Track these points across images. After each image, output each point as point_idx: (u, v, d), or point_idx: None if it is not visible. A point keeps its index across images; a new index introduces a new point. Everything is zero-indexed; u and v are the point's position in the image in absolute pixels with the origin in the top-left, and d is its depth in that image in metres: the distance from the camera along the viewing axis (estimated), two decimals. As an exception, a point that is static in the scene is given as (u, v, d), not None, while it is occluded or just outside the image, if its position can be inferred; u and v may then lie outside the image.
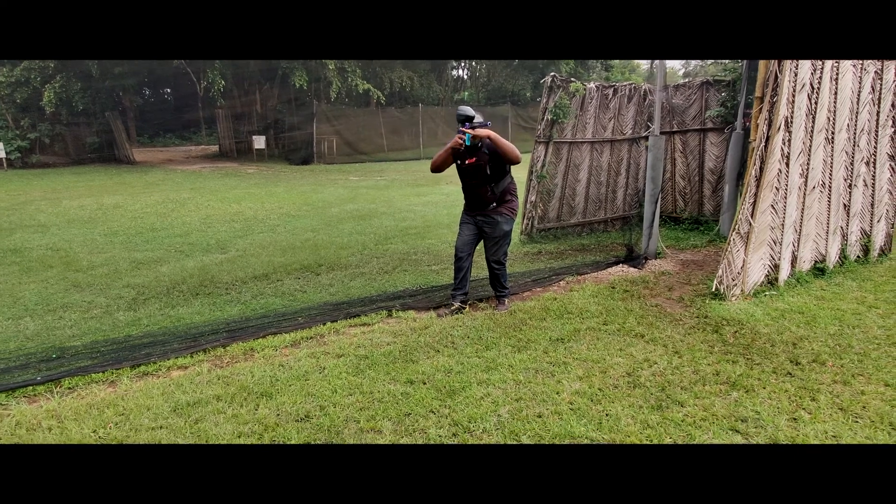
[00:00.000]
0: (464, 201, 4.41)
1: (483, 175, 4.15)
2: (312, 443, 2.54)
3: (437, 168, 4.27)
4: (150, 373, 3.34)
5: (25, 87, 16.79)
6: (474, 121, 4.04)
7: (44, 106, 16.90)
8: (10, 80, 16.63)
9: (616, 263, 5.65)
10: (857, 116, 4.97)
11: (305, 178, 15.65)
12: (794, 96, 4.30)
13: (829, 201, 4.94)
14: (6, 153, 16.95)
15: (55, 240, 7.34)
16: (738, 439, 2.54)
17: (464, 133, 3.96)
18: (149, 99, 32.01)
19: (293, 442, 2.55)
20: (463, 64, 29.42)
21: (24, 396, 3.06)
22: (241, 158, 21.30)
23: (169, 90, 31.01)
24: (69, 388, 3.16)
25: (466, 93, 26.59)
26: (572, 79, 6.44)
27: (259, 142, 20.64)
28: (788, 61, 4.13)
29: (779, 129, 4.20)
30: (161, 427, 2.68)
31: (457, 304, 4.33)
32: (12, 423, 2.74)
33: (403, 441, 2.55)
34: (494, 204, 4.23)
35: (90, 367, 3.39)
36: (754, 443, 2.50)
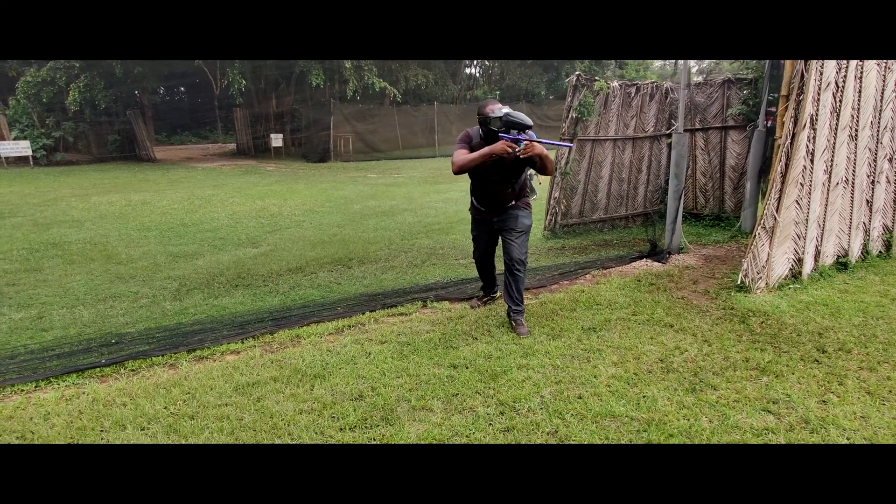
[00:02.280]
0: (473, 202, 4.04)
1: (507, 171, 3.77)
2: (367, 420, 2.72)
3: (465, 170, 3.71)
4: (205, 357, 3.54)
5: (51, 86, 17.19)
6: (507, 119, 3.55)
7: (68, 105, 17.30)
8: (36, 80, 17.03)
9: (640, 258, 5.78)
10: (880, 114, 5.06)
11: (324, 176, 15.89)
12: (819, 94, 4.41)
13: (852, 197, 5.04)
14: (32, 151, 17.35)
15: (91, 234, 7.61)
16: (770, 419, 2.68)
17: (516, 142, 3.47)
18: (164, 98, 32.51)
19: (351, 419, 2.73)
20: (475, 62, 29.56)
21: (93, 377, 3.28)
22: (259, 156, 21.61)
23: (183, 89, 31.49)
24: (132, 370, 3.37)
25: (481, 91, 26.71)
26: (596, 77, 6.57)
27: (276, 140, 20.94)
28: (815, 60, 4.24)
29: (804, 126, 4.32)
30: (226, 405, 2.88)
31: (489, 298, 4.42)
32: (89, 399, 2.95)
33: (454, 419, 2.72)
34: (513, 202, 3.91)
35: (150, 350, 3.60)
36: (786, 423, 2.65)
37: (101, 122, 19.35)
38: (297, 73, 20.57)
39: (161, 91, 31.43)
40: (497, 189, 3.85)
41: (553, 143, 3.78)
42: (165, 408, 2.86)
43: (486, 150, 3.57)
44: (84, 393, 3.03)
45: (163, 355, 3.53)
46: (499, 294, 4.46)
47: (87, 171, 16.89)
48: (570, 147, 3.55)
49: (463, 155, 3.67)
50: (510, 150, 3.50)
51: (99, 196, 11.49)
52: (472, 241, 4.27)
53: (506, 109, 3.56)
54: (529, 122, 3.51)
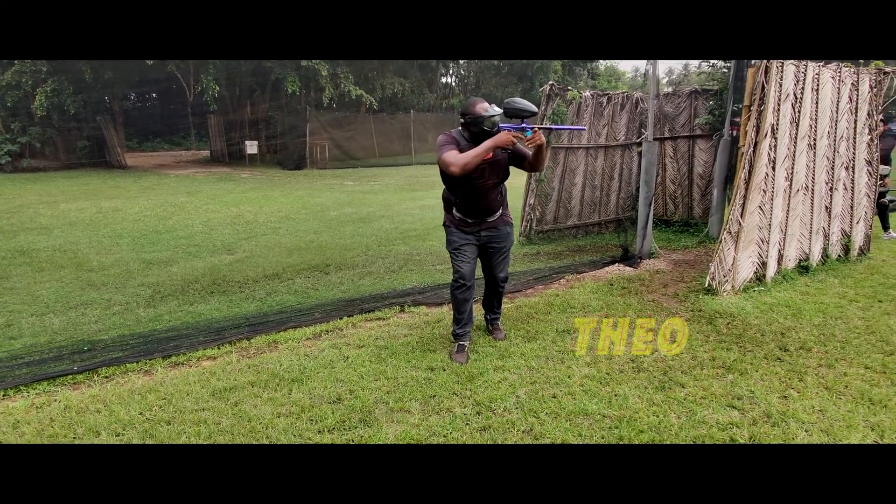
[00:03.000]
0: (456, 214, 3.52)
1: (501, 174, 3.46)
2: (345, 422, 2.75)
3: (471, 168, 3.20)
4: (181, 363, 3.52)
5: (16, 90, 16.74)
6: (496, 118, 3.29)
7: (34, 110, 16.86)
8: (0, 84, 16.56)
9: (612, 263, 5.93)
10: (836, 124, 5.31)
11: (300, 183, 15.80)
12: (779, 105, 4.62)
13: (812, 203, 5.27)
14: (-4, 157, 16.85)
15: (60, 241, 7.44)
16: (735, 414, 2.80)
17: (522, 130, 3.20)
18: (135, 103, 31.91)
19: (329, 421, 2.75)
20: (451, 71, 29.80)
21: (65, 384, 3.23)
22: (234, 163, 21.36)
23: (155, 95, 30.97)
24: (106, 377, 3.32)
25: (456, 99, 26.93)
26: (569, 87, 6.74)
27: (251, 147, 20.74)
28: (774, 71, 4.45)
29: (766, 135, 4.51)
30: (203, 409, 2.87)
31: (468, 344, 3.61)
32: (61, 406, 2.91)
33: (432, 419, 2.77)
34: (502, 209, 3.59)
35: (124, 357, 3.56)
36: (749, 418, 2.77)
37: (69, 128, 18.88)
38: (272, 79, 20.44)
39: (132, 97, 30.84)
40: (491, 195, 3.47)
41: (566, 128, 3.71)
42: (141, 413, 2.84)
43: (489, 142, 3.18)
44: (56, 400, 2.99)
45: (137, 362, 3.49)
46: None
47: (55, 177, 16.46)
48: (583, 130, 3.52)
49: (458, 154, 3.21)
50: (515, 141, 3.22)
51: (68, 203, 11.22)
52: (454, 254, 3.54)
53: (497, 108, 3.29)
54: (534, 108, 3.20)
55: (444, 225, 3.65)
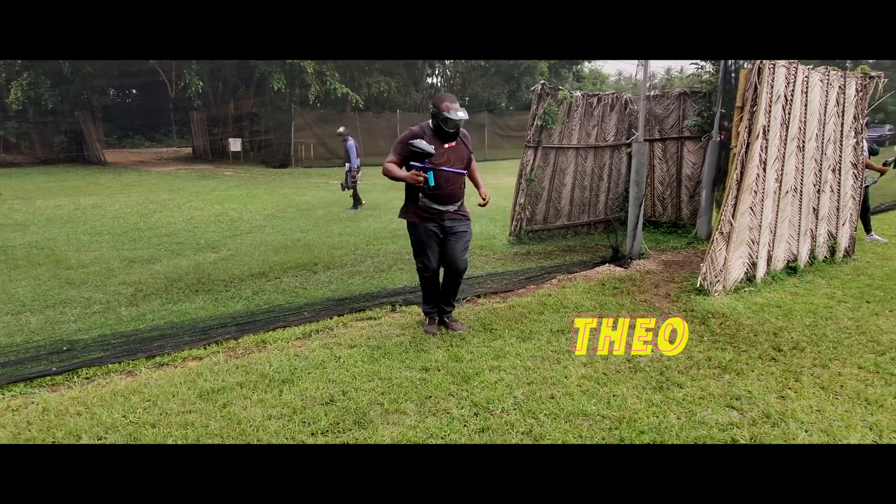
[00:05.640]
0: (422, 199, 3.67)
1: (465, 162, 3.75)
2: (339, 424, 2.66)
3: (392, 178, 3.68)
4: (166, 363, 3.40)
5: (-9, 84, 16.29)
6: (460, 122, 3.63)
7: (9, 104, 16.41)
8: (-26, 77, 16.09)
9: (603, 263, 5.91)
10: (824, 127, 5.37)
11: (285, 181, 15.61)
12: (770, 106, 4.64)
13: (800, 205, 5.31)
14: (-31, 152, 16.36)
15: (37, 238, 7.22)
16: (734, 415, 2.78)
17: (425, 170, 3.54)
18: (115, 99, 31.24)
19: (322, 423, 2.67)
20: (437, 71, 29.73)
21: (43, 386, 3.09)
22: (217, 161, 21.03)
23: (135, 91, 30.34)
24: (87, 378, 3.19)
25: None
26: (560, 87, 6.72)
27: (235, 144, 20.45)
28: (767, 72, 4.47)
29: (758, 136, 4.53)
30: (191, 412, 2.77)
31: (436, 314, 3.99)
32: (38, 409, 2.78)
33: (429, 421, 2.70)
34: (462, 201, 3.80)
35: (105, 357, 3.42)
36: (749, 418, 2.75)
37: (46, 123, 18.41)
38: (257, 76, 20.17)
39: (112, 92, 30.16)
40: (458, 181, 3.71)
41: (454, 171, 3.74)
42: (124, 416, 2.72)
43: (405, 175, 3.58)
44: (33, 402, 2.86)
45: (119, 362, 3.36)
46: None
47: (31, 173, 16.04)
48: (463, 174, 3.60)
49: (393, 166, 3.63)
50: (420, 182, 3.52)
51: (45, 199, 10.92)
52: (420, 251, 3.76)
53: (461, 113, 3.55)
54: (431, 150, 3.50)
55: (406, 220, 3.80)
